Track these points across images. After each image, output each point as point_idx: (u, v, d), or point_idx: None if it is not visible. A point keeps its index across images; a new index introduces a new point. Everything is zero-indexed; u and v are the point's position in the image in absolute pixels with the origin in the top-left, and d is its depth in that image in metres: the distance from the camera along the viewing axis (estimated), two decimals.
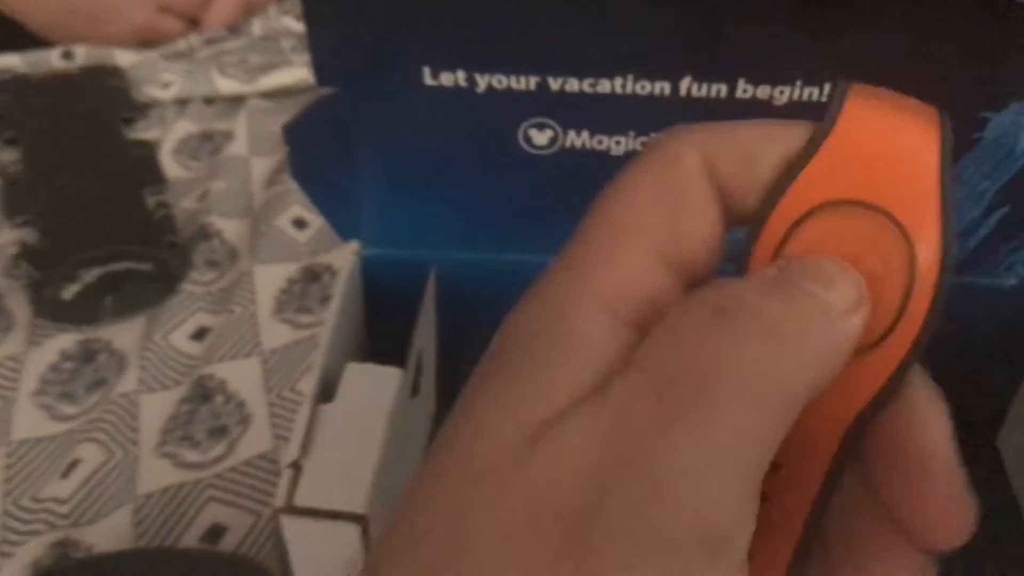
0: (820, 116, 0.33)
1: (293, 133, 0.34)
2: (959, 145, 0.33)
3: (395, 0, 0.31)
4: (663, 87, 0.32)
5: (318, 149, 0.35)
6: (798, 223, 0.19)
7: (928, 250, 0.18)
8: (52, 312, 0.50)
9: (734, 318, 0.17)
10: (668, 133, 0.20)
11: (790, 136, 0.19)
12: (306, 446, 0.32)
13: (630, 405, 0.16)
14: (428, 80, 0.33)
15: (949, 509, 0.18)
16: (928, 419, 0.19)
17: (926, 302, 0.18)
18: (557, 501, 0.16)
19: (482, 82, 0.33)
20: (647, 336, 0.17)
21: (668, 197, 0.19)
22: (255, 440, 0.45)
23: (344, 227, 0.38)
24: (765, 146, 0.19)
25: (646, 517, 0.15)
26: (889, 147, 0.18)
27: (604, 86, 0.32)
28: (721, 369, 0.16)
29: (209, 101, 0.67)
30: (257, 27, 0.73)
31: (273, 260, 0.53)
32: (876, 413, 0.19)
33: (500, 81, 0.33)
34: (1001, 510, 0.41)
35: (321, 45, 0.32)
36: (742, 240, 0.19)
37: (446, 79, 0.33)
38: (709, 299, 0.17)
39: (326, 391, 0.34)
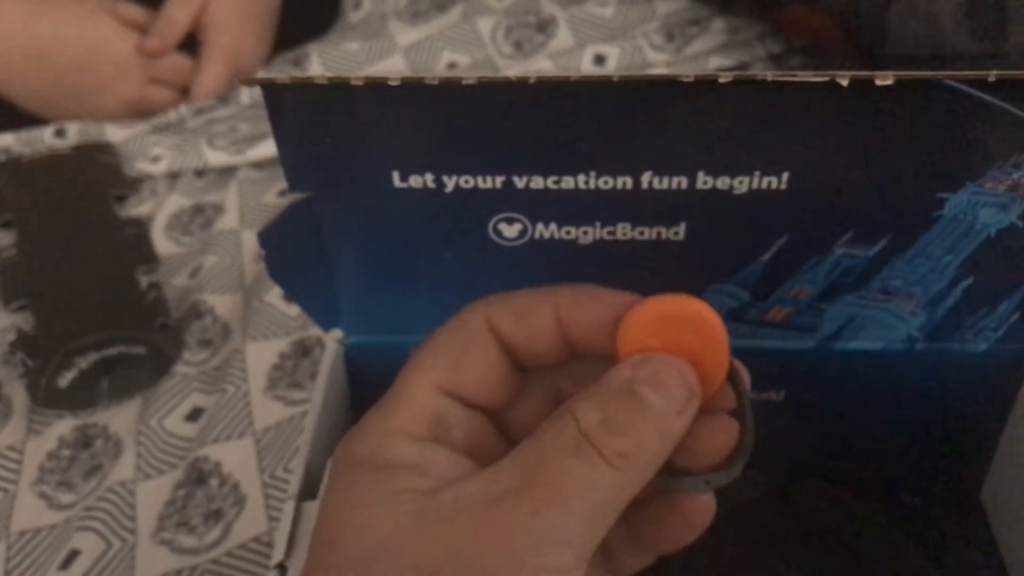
0: (779, 204, 0.33)
1: (268, 238, 0.35)
2: (923, 223, 0.34)
3: (359, 109, 0.32)
4: (625, 181, 0.33)
5: (294, 250, 0.36)
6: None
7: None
8: (49, 400, 0.51)
9: (586, 455, 0.24)
10: (468, 305, 0.28)
11: (555, 297, 0.27)
12: (291, 546, 0.33)
13: (503, 502, 0.23)
14: (397, 183, 0.34)
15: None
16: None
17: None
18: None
19: (450, 183, 0.34)
20: (523, 445, 0.25)
21: (452, 348, 0.27)
22: (249, 522, 0.46)
23: (324, 319, 0.39)
24: (535, 306, 0.27)
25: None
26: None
27: (568, 183, 0.33)
28: (572, 489, 0.23)
29: (199, 173, 0.68)
30: (246, 95, 0.74)
31: (264, 336, 0.54)
32: None
33: (467, 181, 0.33)
34: (987, 566, 0.41)
35: (290, 153, 0.33)
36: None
37: (415, 181, 0.34)
38: (570, 434, 0.24)
39: (310, 486, 0.35)
